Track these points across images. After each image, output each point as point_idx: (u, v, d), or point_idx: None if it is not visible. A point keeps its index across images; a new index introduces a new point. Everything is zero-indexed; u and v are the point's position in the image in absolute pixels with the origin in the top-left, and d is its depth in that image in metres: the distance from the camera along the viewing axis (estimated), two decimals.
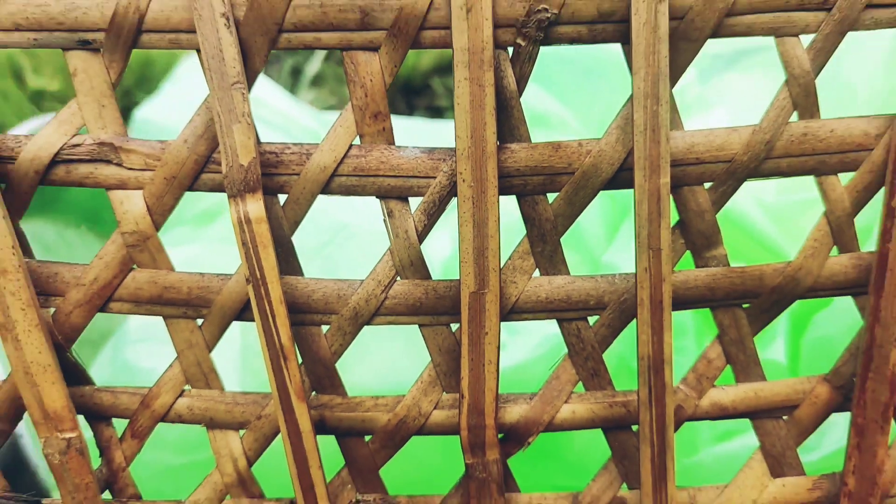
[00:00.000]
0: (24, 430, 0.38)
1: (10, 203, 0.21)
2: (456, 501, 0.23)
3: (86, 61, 0.20)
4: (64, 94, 1.16)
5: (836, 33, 0.20)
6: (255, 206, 0.20)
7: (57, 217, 0.46)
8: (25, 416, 0.22)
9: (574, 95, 0.38)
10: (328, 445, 0.22)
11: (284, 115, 0.43)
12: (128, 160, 0.21)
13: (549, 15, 0.19)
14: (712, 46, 0.20)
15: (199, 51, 0.20)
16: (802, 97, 0.20)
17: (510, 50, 0.20)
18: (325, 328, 0.22)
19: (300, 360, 0.22)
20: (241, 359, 0.23)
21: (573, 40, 0.20)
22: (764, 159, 0.20)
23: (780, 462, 0.23)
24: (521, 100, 0.20)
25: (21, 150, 0.21)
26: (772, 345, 0.33)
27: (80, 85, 0.20)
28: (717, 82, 0.36)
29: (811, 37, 0.20)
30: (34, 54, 1.03)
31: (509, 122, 0.20)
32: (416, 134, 0.28)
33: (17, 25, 0.20)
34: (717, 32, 0.20)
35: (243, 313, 0.21)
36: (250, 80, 0.20)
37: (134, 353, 0.27)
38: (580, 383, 0.22)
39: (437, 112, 0.83)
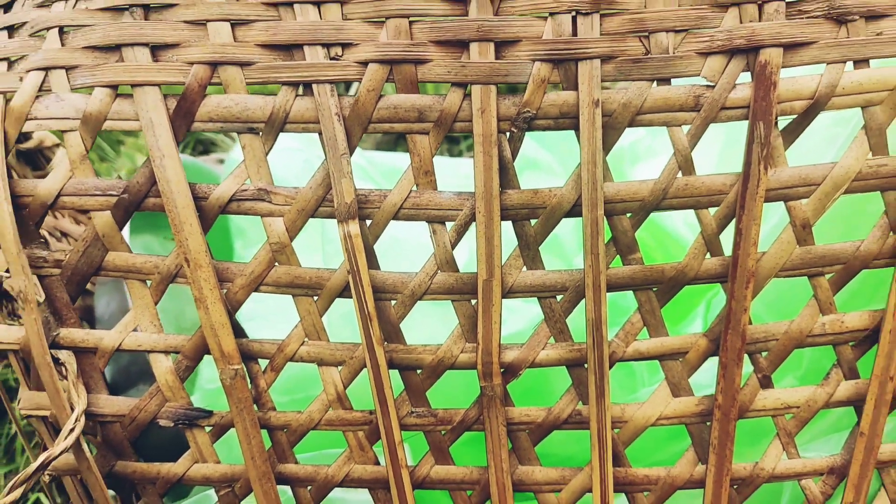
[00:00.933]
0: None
1: (203, 223, 0.34)
2: (474, 412, 0.36)
3: (251, 140, 0.34)
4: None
5: (702, 125, 0.33)
6: (353, 227, 0.33)
7: (157, 231, 0.60)
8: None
9: (558, 147, 0.52)
10: (394, 377, 0.35)
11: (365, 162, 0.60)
12: (275, 199, 0.34)
13: (530, 114, 0.33)
14: None
15: (320, 133, 0.33)
16: (684, 163, 0.33)
17: (508, 134, 0.33)
18: (393, 302, 0.35)
19: (378, 322, 0.35)
20: (341, 321, 0.37)
21: (545, 128, 0.33)
22: (662, 199, 0.33)
23: (678, 388, 0.36)
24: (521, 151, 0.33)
25: (210, 192, 0.34)
26: (693, 323, 0.46)
27: (247, 154, 0.34)
28: (662, 136, 0.49)
29: (688, 126, 0.33)
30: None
31: (507, 177, 0.33)
32: (442, 168, 0.41)
33: (211, 118, 0.33)
34: (631, 124, 0.33)
35: (344, 292, 0.35)
36: (351, 150, 0.34)
37: (248, 328, 0.40)
38: (552, 337, 0.35)
39: (453, 141, 1.00)
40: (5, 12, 0.37)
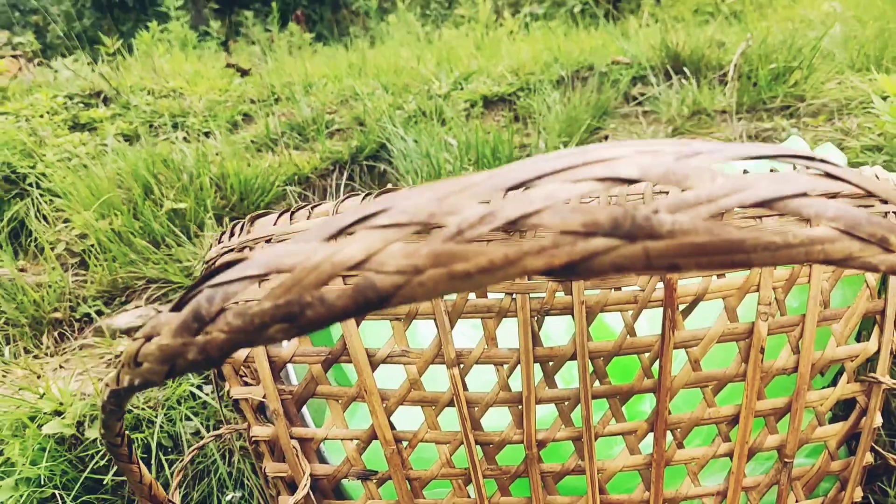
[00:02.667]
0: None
1: (371, 369, 0.63)
2: (522, 466, 0.65)
3: (398, 325, 0.63)
4: (185, 211, 1.61)
5: (638, 311, 0.62)
6: (455, 371, 0.62)
7: (342, 372, 0.89)
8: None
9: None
10: (477, 449, 0.64)
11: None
12: (411, 355, 0.63)
13: (548, 307, 0.62)
14: None
15: (434, 319, 0.62)
16: (630, 330, 0.62)
17: (535, 318, 0.62)
18: (475, 408, 0.64)
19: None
20: (448, 419, 0.67)
21: (556, 314, 0.62)
22: (619, 349, 0.63)
23: (633, 450, 0.65)
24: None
25: (377, 353, 0.63)
26: (643, 406, 0.75)
27: (395, 331, 0.63)
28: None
29: (631, 311, 0.62)
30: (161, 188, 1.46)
31: (536, 340, 0.63)
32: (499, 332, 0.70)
33: (381, 315, 0.63)
34: (602, 311, 0.62)
35: (449, 404, 0.64)
36: (451, 327, 0.63)
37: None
38: (563, 425, 0.64)
39: None
40: None
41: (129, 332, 1.44)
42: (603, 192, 0.45)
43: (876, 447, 0.67)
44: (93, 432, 1.03)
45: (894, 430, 0.84)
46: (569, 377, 0.69)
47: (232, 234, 0.68)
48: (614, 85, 2.02)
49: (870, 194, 0.26)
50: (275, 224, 0.65)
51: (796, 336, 0.63)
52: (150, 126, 2.31)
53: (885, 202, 0.52)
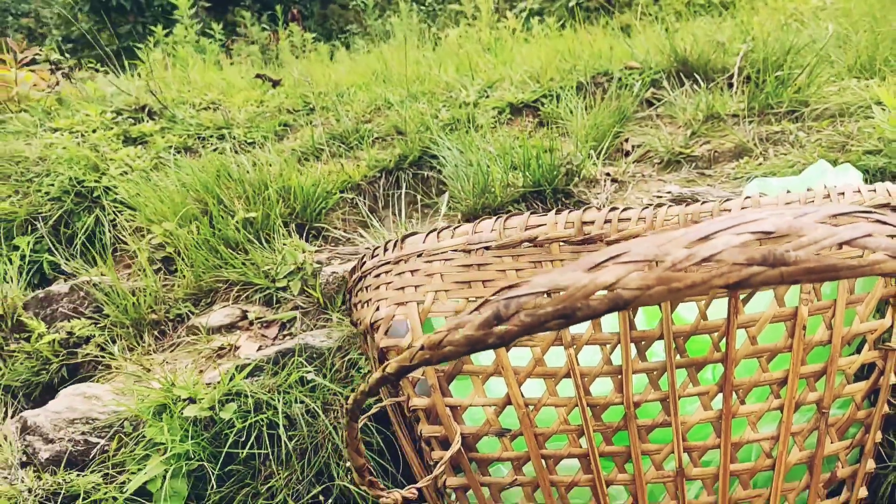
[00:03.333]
0: None
1: None
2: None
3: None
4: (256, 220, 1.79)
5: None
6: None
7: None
8: None
9: None
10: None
11: None
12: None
13: None
14: None
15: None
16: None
17: None
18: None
19: None
20: None
21: None
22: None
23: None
24: None
25: None
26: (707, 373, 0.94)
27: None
28: None
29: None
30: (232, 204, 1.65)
31: None
32: None
33: None
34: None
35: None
36: None
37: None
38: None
39: None
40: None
41: (220, 329, 1.63)
42: (753, 241, 0.63)
43: (891, 400, 0.87)
44: (226, 413, 1.21)
45: None
46: (655, 353, 0.88)
47: (385, 250, 0.87)
48: (629, 90, 2.21)
49: None
50: (424, 242, 0.84)
51: (829, 316, 0.82)
52: (198, 138, 2.48)
53: None
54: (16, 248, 2.01)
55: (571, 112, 2.11)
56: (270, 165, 2.06)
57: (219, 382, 1.26)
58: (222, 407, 1.23)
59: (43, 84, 3.12)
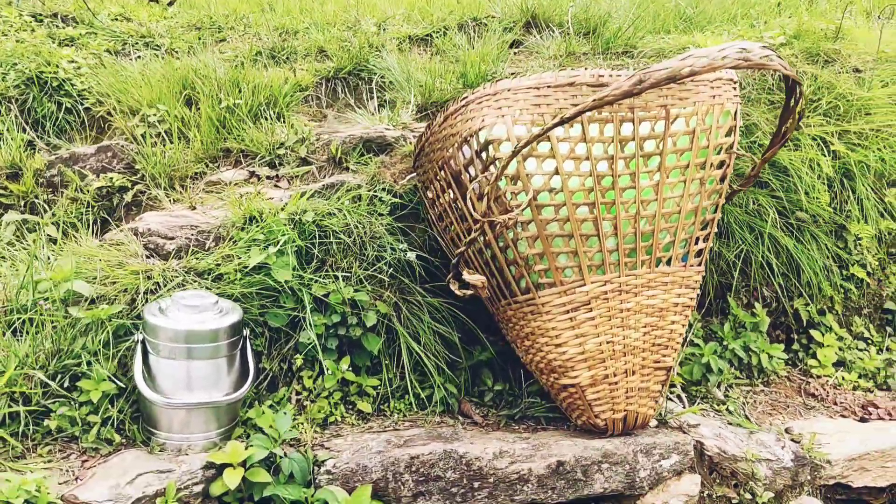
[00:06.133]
0: None
1: None
2: None
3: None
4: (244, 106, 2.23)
5: None
6: None
7: None
8: None
9: None
10: None
11: None
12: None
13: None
14: None
15: None
16: None
17: None
18: None
19: None
20: None
21: None
22: None
23: None
24: None
25: None
26: None
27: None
28: None
29: None
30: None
31: None
32: None
33: None
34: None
35: None
36: None
37: None
38: None
39: None
40: None
41: (235, 184, 2.05)
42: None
43: (732, 186, 1.65)
44: (308, 216, 1.70)
45: None
46: (629, 149, 1.56)
47: (433, 122, 1.46)
48: (494, 32, 2.90)
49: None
50: (510, 83, 1.45)
51: (708, 133, 1.57)
52: (123, 43, 2.74)
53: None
54: None
55: (462, 46, 2.75)
56: (235, 67, 2.45)
57: (287, 203, 1.74)
58: (303, 214, 1.71)
59: None
